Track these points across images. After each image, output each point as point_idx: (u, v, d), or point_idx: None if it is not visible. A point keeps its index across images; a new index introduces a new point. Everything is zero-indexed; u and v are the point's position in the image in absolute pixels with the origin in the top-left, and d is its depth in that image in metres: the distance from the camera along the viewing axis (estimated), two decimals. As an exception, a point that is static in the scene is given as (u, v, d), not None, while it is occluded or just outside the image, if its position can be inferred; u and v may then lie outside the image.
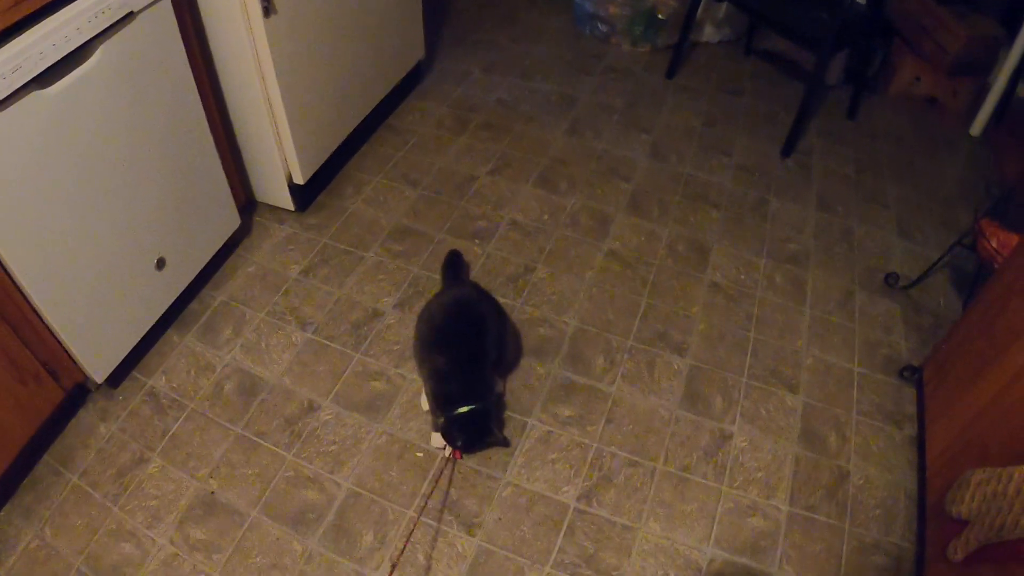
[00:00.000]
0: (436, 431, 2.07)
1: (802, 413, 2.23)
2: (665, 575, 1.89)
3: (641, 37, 3.90)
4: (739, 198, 2.99)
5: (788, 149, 3.23)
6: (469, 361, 2.01)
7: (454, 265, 2.46)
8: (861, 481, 2.08)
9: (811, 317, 2.51)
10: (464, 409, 1.93)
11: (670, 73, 3.76)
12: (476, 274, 2.60)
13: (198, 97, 2.19)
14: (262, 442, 2.12)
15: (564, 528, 1.98)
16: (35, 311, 1.80)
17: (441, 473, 2.04)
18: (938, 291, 2.69)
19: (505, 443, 2.12)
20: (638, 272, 2.67)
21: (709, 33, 4.05)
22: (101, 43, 1.78)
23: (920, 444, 2.12)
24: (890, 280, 2.63)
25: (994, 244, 2.23)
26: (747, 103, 3.61)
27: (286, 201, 2.74)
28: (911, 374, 2.33)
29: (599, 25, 3.93)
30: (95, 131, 1.80)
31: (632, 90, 3.63)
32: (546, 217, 2.86)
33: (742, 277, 2.64)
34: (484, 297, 2.14)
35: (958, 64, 3.48)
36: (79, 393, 2.18)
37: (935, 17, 3.48)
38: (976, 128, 3.55)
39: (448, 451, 2.05)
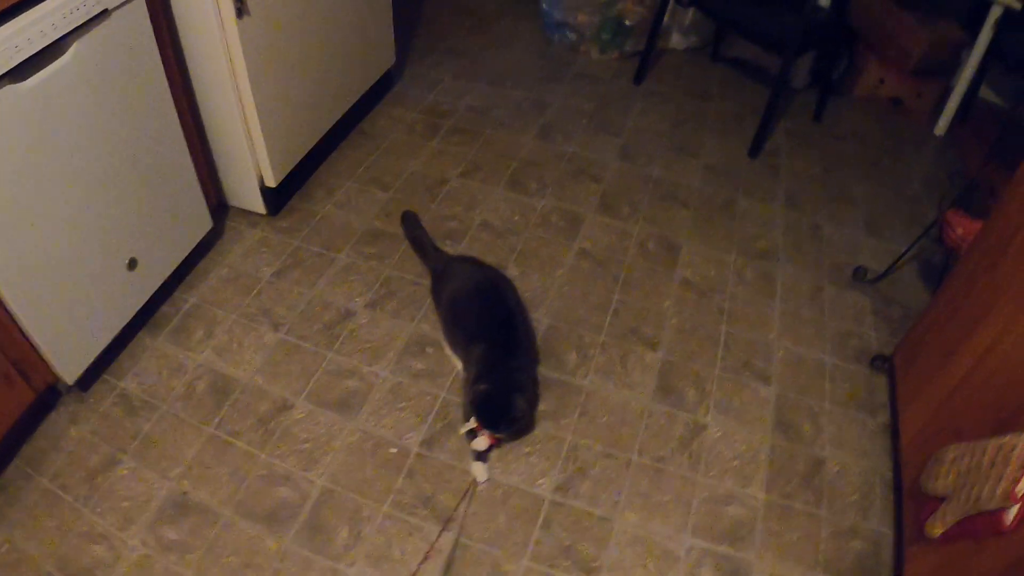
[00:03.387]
0: (477, 460, 2.04)
1: (775, 403, 2.23)
2: (644, 565, 1.87)
3: (609, 44, 3.89)
4: (708, 197, 2.99)
5: (755, 150, 3.25)
6: (508, 340, 2.07)
7: (417, 231, 2.51)
8: (837, 469, 2.07)
9: (781, 311, 2.52)
10: (482, 387, 1.93)
11: (638, 79, 3.75)
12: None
13: (170, 96, 2.15)
14: (235, 441, 2.07)
15: (540, 520, 1.94)
16: (5, 309, 1.75)
17: (465, 494, 1.99)
18: (906, 284, 2.69)
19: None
20: (609, 270, 2.65)
21: (676, 40, 4.05)
22: (75, 39, 1.75)
23: (894, 430, 2.12)
24: (858, 274, 2.64)
25: (959, 232, 2.26)
26: (715, 107, 3.61)
27: (258, 205, 2.70)
28: (882, 363, 2.33)
29: (568, 33, 3.92)
30: (68, 128, 1.78)
31: (601, 95, 3.62)
32: (517, 218, 2.84)
33: (712, 273, 2.65)
34: (497, 273, 2.26)
35: (921, 66, 3.51)
36: (49, 395, 2.11)
37: (898, 21, 3.48)
38: (940, 128, 3.57)
39: (478, 477, 2.02)
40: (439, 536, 1.86)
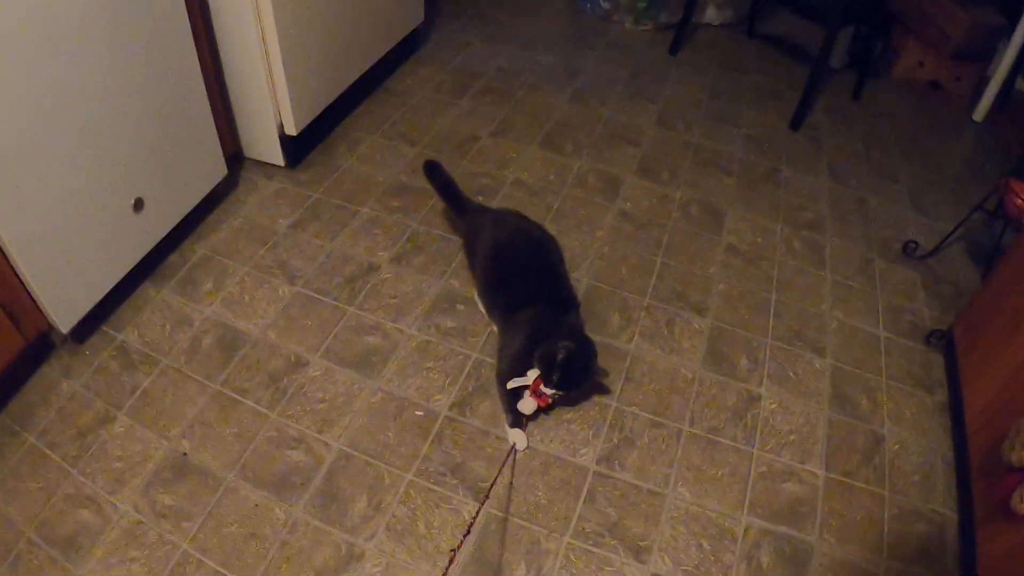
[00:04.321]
0: (513, 426, 1.77)
1: (831, 376, 2.03)
2: (698, 545, 1.63)
3: (644, 15, 3.66)
4: (750, 166, 2.81)
5: (796, 123, 3.06)
6: (563, 298, 1.88)
7: (447, 180, 2.18)
8: (897, 446, 1.87)
9: (832, 282, 2.33)
10: (565, 343, 1.68)
11: (673, 50, 3.53)
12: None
13: (189, 30, 1.92)
14: (242, 399, 1.82)
15: (584, 493, 1.70)
16: None
17: (504, 463, 1.71)
18: (955, 262, 2.49)
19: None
20: (651, 233, 2.43)
21: (711, 15, 3.83)
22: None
23: (954, 408, 1.95)
24: (908, 249, 2.47)
25: (1020, 202, 2.10)
26: (751, 80, 3.40)
27: (276, 155, 2.43)
28: (939, 339, 2.16)
29: (601, 3, 3.68)
30: (77, 54, 1.58)
31: (635, 64, 3.40)
32: (552, 177, 2.61)
33: (759, 241, 2.45)
34: (540, 227, 2.05)
35: (959, 50, 3.33)
36: (42, 346, 1.88)
37: (937, 3, 3.34)
38: (979, 114, 3.38)
39: (515, 443, 1.75)
40: (479, 510, 1.56)
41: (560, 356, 1.65)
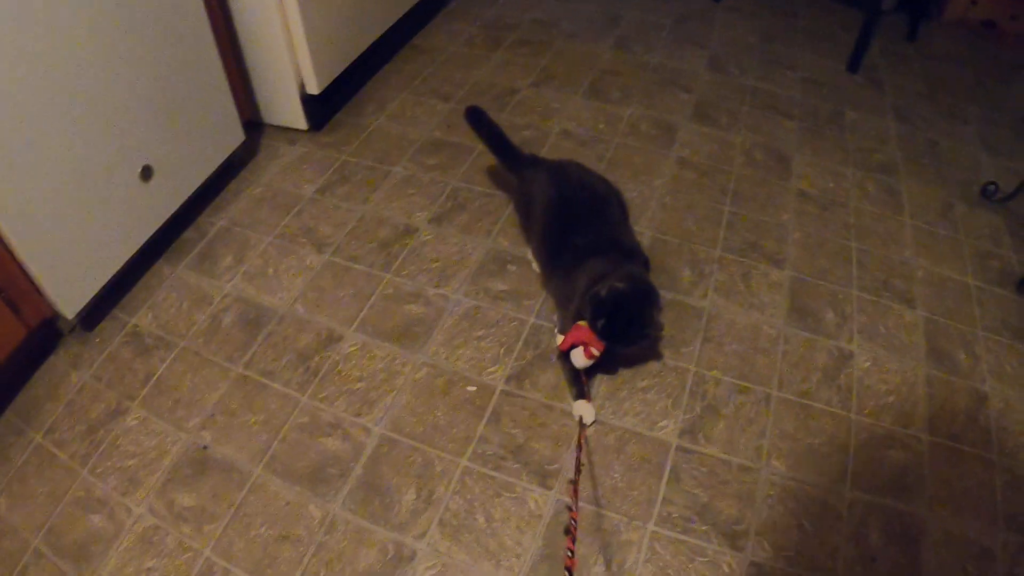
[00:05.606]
0: (578, 398, 1.52)
1: (924, 329, 1.79)
2: (799, 525, 1.40)
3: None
4: (812, 109, 2.55)
5: (854, 65, 2.81)
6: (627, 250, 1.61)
7: (493, 127, 1.89)
8: (1001, 405, 1.64)
9: (913, 227, 2.09)
10: (615, 284, 1.43)
11: (716, -4, 3.22)
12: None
13: None
14: (269, 383, 1.60)
15: (667, 472, 1.45)
16: None
17: (578, 443, 1.42)
18: None
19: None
20: (715, 180, 2.17)
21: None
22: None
23: None
24: (987, 191, 2.23)
25: None
26: (803, 24, 3.12)
27: (298, 119, 2.20)
28: None
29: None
30: (75, 6, 1.41)
31: (678, 10, 3.12)
32: (602, 126, 2.36)
33: (831, 186, 2.20)
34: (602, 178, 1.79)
35: None
36: (47, 335, 1.69)
37: None
38: None
39: (582, 416, 1.49)
40: (576, 499, 1.22)
41: (606, 296, 1.40)
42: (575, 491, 1.20)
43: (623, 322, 1.42)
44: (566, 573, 0.99)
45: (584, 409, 1.49)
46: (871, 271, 1.93)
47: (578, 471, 1.27)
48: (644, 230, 1.95)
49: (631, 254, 1.58)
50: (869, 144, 2.40)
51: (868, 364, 1.68)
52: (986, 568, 1.35)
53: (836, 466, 1.49)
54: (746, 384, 1.62)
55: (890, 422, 1.57)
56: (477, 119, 1.87)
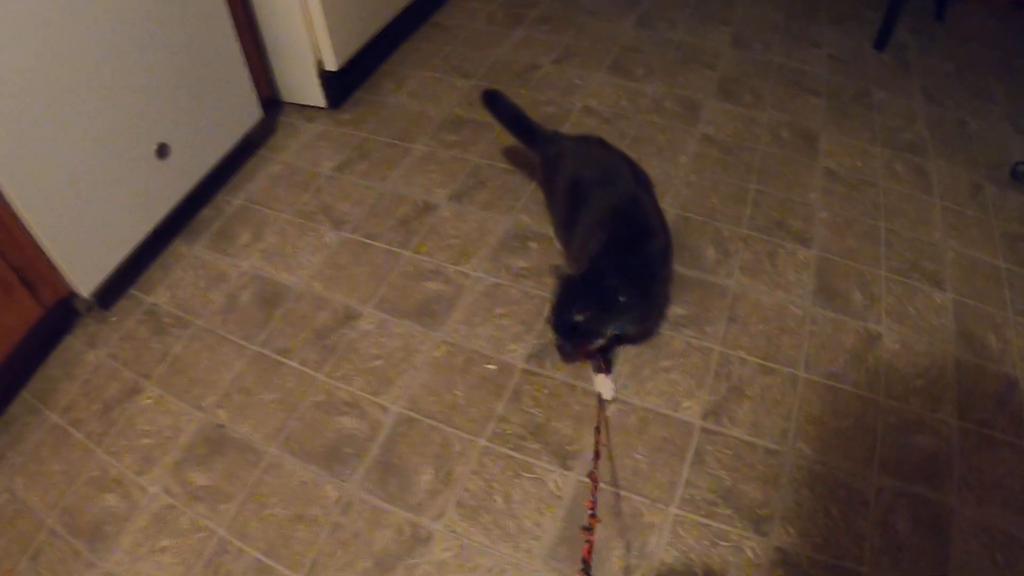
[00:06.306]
0: (597, 372, 1.48)
1: (954, 312, 1.73)
2: (825, 511, 1.35)
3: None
4: (839, 87, 2.47)
5: (881, 43, 2.74)
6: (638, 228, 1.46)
7: (513, 109, 1.80)
8: None
9: (943, 208, 2.02)
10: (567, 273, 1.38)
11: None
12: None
13: None
14: (286, 360, 1.57)
15: (691, 455, 1.41)
16: (4, 201, 1.35)
17: (599, 423, 1.36)
18: None
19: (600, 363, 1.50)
20: (740, 158, 2.11)
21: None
22: None
23: None
24: (1018, 172, 2.16)
25: None
26: (828, 2, 3.03)
27: (316, 96, 2.16)
28: None
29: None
30: None
31: (702, -13, 3.02)
32: (624, 103, 2.30)
33: (858, 165, 2.14)
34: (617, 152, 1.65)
35: None
36: (64, 314, 1.67)
37: None
38: None
39: (603, 393, 1.46)
40: (595, 491, 1.18)
41: (560, 283, 1.34)
42: (594, 486, 1.15)
43: (563, 317, 1.34)
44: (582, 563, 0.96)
45: (603, 385, 1.45)
46: (900, 251, 1.87)
47: (597, 457, 1.22)
48: (668, 208, 1.90)
49: (651, 233, 1.51)
50: (897, 123, 2.33)
51: (897, 346, 1.63)
52: (1016, 558, 1.30)
53: (863, 451, 1.44)
54: (772, 365, 1.57)
55: (919, 406, 1.52)
56: (493, 102, 1.81)
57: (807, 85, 2.46)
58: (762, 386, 1.53)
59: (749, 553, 1.27)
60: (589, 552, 0.97)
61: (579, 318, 1.32)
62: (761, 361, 1.57)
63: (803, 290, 1.73)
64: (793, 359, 1.58)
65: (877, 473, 1.40)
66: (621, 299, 1.32)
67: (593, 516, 1.08)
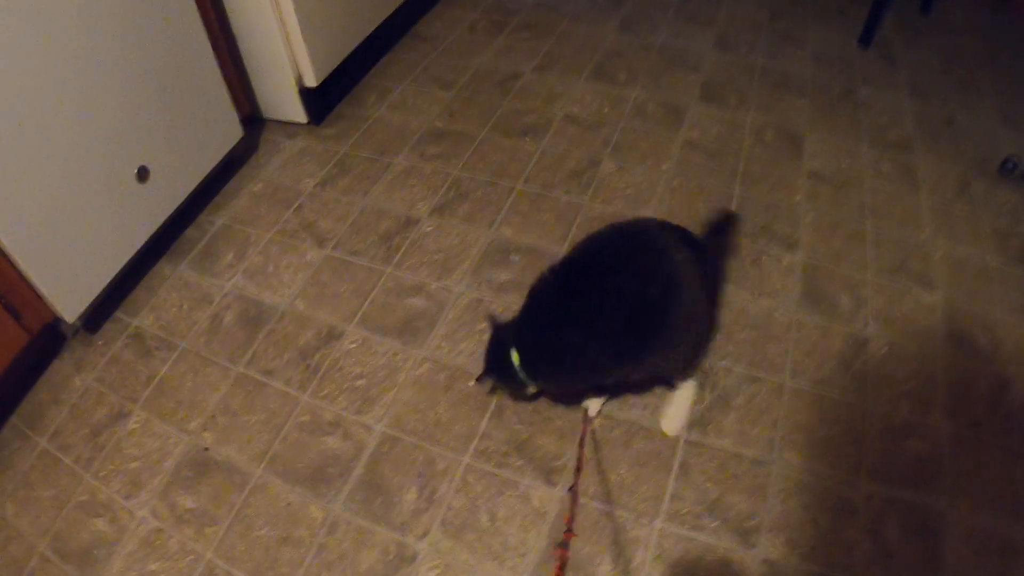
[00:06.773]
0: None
1: (943, 312, 1.72)
2: (813, 521, 1.34)
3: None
4: (824, 86, 2.46)
5: (866, 39, 2.72)
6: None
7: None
8: None
9: (930, 207, 2.00)
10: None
11: (724, -27, 3.13)
12: (532, 170, 2.07)
13: None
14: (269, 382, 1.57)
15: (675, 467, 1.41)
16: None
17: (582, 437, 1.36)
18: None
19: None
20: (724, 162, 2.10)
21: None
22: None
23: None
24: (1007, 167, 2.13)
25: None
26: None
27: (297, 112, 2.16)
28: None
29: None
30: (62, 4, 1.39)
31: (685, -11, 3.02)
32: (607, 110, 2.30)
33: (845, 165, 2.12)
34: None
35: None
36: (51, 340, 1.67)
37: None
38: None
39: (589, 410, 1.46)
40: (575, 505, 1.19)
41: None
42: (574, 500, 1.16)
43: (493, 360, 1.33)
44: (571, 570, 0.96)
45: (590, 399, 1.45)
46: (886, 252, 1.86)
47: (579, 471, 1.23)
48: (651, 214, 1.90)
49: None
50: (883, 121, 2.32)
51: (884, 350, 1.62)
52: (1010, 563, 1.30)
53: (852, 458, 1.43)
54: (758, 373, 1.57)
55: (908, 410, 1.51)
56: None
57: (792, 86, 2.46)
58: (748, 395, 1.53)
59: (737, 566, 1.27)
60: (561, 569, 0.97)
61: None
62: (746, 370, 1.57)
63: (789, 296, 1.73)
64: (779, 367, 1.58)
65: (866, 480, 1.40)
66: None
67: (569, 531, 1.08)
